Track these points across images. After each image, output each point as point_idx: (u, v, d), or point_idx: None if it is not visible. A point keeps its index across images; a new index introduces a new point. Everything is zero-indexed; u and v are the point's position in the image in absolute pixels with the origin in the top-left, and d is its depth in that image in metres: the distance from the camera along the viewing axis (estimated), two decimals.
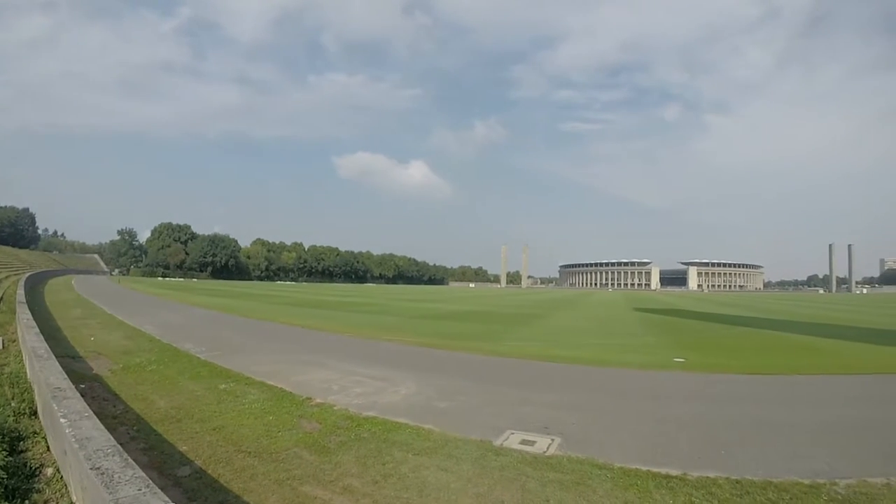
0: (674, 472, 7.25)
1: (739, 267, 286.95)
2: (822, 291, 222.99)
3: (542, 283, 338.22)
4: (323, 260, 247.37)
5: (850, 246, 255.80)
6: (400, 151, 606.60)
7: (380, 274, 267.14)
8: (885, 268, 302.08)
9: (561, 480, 6.83)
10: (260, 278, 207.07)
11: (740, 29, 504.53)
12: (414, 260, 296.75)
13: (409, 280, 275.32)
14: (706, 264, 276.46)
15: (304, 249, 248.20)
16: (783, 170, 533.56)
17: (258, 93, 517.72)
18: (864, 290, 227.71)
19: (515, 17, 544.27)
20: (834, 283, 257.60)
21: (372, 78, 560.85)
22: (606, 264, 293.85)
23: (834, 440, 9.18)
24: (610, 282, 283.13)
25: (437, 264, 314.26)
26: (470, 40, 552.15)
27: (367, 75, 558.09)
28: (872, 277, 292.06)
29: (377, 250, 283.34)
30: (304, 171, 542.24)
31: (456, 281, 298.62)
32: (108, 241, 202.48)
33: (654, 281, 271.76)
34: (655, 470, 7.32)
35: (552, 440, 8.55)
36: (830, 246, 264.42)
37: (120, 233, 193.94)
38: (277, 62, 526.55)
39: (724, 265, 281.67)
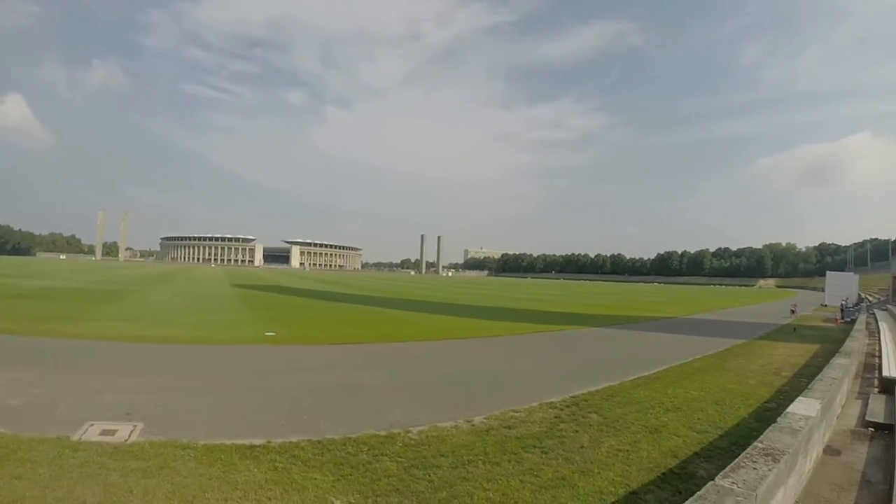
0: (258, 442, 7.34)
1: (340, 248, 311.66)
2: (413, 273, 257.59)
3: (142, 256, 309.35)
4: None
5: (439, 237, 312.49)
6: None
7: None
8: (468, 256, 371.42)
9: (144, 468, 6.33)
10: None
11: (383, 41, 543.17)
12: None
13: None
14: (309, 244, 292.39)
15: None
16: (390, 167, 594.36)
17: None
18: (450, 273, 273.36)
19: None
20: (424, 266, 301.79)
21: None
22: (211, 238, 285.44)
23: (410, 396, 10.63)
24: (214, 257, 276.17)
25: (23, 230, 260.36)
26: None
27: None
28: (457, 263, 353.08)
29: None
30: None
31: (45, 251, 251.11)
32: None
33: (258, 258, 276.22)
34: (240, 442, 7.31)
35: (135, 426, 7.94)
36: (422, 235, 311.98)
37: None
38: None
39: (326, 245, 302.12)
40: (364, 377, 12.17)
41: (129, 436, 7.57)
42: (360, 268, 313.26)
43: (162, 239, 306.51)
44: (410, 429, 8.16)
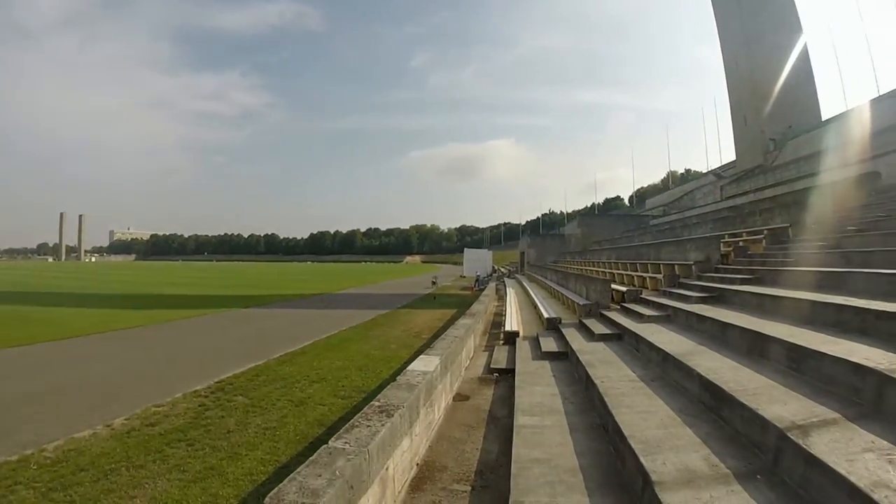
0: None
1: None
2: (51, 260, 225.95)
3: None
4: None
5: (80, 216, 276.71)
6: None
7: None
8: (115, 238, 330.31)
9: None
10: None
11: None
12: None
13: None
14: None
15: None
16: (24, 130, 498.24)
17: None
18: (94, 259, 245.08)
19: None
20: (64, 251, 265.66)
21: None
22: None
23: (41, 408, 9.53)
24: None
25: None
26: None
27: None
28: (102, 246, 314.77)
29: None
30: None
31: None
32: None
33: None
34: None
35: None
36: (62, 215, 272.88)
37: None
38: None
39: None
40: None
41: None
42: None
43: None
44: (45, 446, 7.46)
